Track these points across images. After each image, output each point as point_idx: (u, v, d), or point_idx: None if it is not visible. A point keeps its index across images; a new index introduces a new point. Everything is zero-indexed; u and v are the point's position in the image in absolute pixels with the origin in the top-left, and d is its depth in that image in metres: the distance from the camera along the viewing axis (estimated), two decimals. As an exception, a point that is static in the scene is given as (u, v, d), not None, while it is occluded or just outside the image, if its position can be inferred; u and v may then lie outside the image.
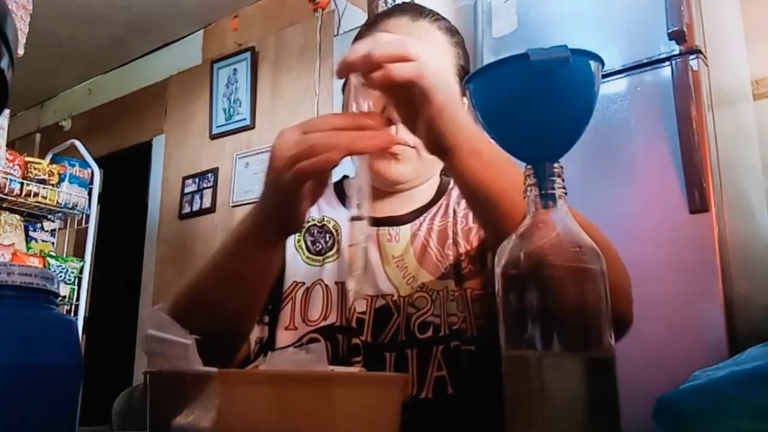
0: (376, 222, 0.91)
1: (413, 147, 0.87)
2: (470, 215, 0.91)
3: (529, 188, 0.48)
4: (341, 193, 0.98)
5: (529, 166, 0.48)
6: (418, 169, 0.90)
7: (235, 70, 3.76)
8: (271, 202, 0.67)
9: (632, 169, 1.73)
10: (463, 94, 0.92)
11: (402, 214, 0.93)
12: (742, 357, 0.61)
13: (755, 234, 1.93)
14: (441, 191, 0.97)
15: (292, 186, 0.63)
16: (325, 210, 0.95)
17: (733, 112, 1.95)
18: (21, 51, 1.82)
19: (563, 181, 0.48)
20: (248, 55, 3.70)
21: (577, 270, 0.45)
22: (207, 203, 3.72)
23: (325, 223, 0.94)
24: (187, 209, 3.83)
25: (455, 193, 0.95)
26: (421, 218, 0.93)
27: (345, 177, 1.04)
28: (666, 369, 1.48)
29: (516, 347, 0.45)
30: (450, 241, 0.89)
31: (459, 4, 2.45)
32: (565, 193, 0.47)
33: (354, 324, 0.84)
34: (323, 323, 0.85)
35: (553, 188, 0.47)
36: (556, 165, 0.48)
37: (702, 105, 1.65)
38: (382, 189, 0.92)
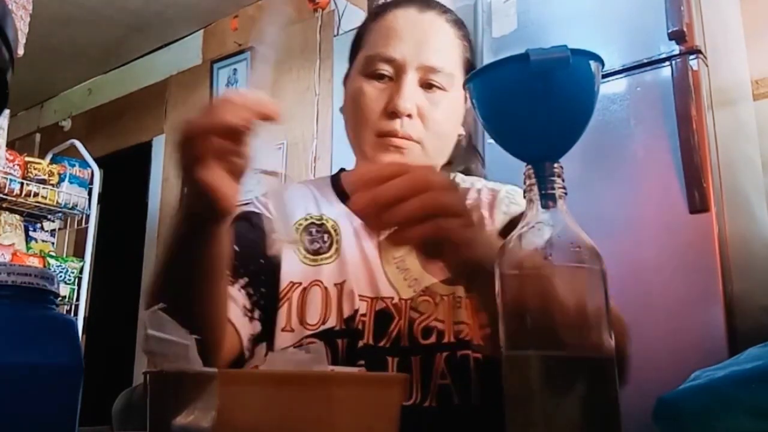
0: None
1: (417, 142, 0.84)
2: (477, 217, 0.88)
3: (529, 188, 0.48)
4: (340, 189, 0.95)
5: (529, 166, 0.48)
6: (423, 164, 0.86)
7: (235, 70, 3.76)
8: (183, 179, 0.61)
9: (632, 169, 1.73)
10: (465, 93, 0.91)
11: None
12: (742, 357, 0.61)
13: (755, 234, 1.93)
14: None
15: (184, 149, 0.58)
16: (323, 207, 0.92)
17: (733, 112, 1.95)
18: (21, 51, 1.82)
19: (563, 181, 0.48)
20: (248, 55, 3.70)
21: (577, 270, 0.45)
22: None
23: (324, 221, 0.90)
24: (187, 209, 3.82)
25: (460, 189, 0.92)
26: None
27: (342, 170, 1.01)
28: (666, 369, 1.48)
29: (516, 347, 0.45)
30: None
31: (459, 4, 2.45)
32: (565, 193, 0.47)
33: (354, 326, 0.82)
34: (322, 327, 0.82)
35: (553, 188, 0.47)
36: (556, 165, 0.48)
37: (702, 105, 1.65)
38: None
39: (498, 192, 0.92)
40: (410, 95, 0.83)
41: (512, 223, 0.83)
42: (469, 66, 0.92)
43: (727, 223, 1.63)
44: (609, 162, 1.75)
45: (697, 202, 1.59)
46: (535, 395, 0.42)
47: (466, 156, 1.03)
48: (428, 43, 0.86)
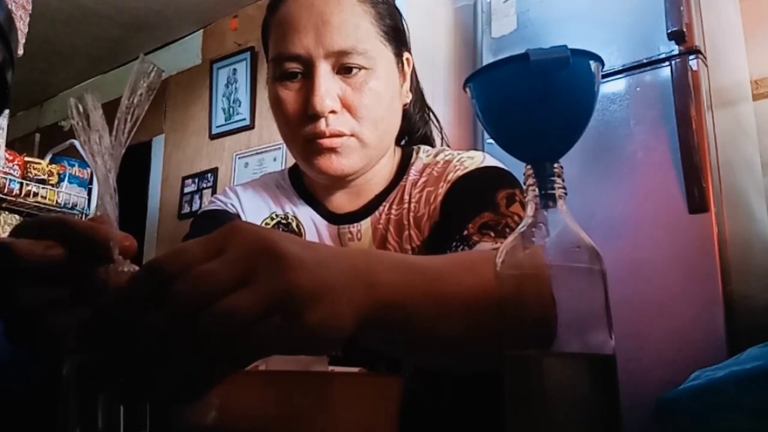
0: (336, 219, 0.85)
1: (351, 135, 0.79)
2: (422, 199, 0.82)
3: (529, 188, 0.48)
4: (300, 187, 0.91)
5: (529, 166, 0.48)
6: (365, 156, 0.81)
7: (234, 70, 3.76)
8: None
9: (632, 169, 1.73)
10: (399, 59, 0.85)
11: (361, 206, 0.85)
12: (742, 357, 0.61)
13: (755, 234, 1.93)
14: (404, 166, 0.87)
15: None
16: (287, 207, 0.89)
17: (732, 112, 1.95)
18: (21, 51, 1.82)
19: (563, 181, 0.48)
20: (248, 55, 3.70)
21: (577, 270, 0.45)
22: (206, 203, 3.72)
23: (289, 221, 0.87)
24: (186, 209, 3.82)
25: (413, 171, 0.86)
26: (381, 207, 0.84)
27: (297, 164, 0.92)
28: (666, 369, 1.48)
29: (516, 347, 0.45)
30: (407, 232, 0.81)
31: (458, 4, 2.46)
32: (565, 193, 0.47)
33: None
34: None
35: (553, 188, 0.47)
36: (556, 165, 0.48)
37: (701, 105, 1.65)
38: (332, 184, 0.85)
39: (450, 161, 0.83)
40: (327, 90, 0.77)
41: (453, 189, 0.79)
42: (394, 31, 0.84)
43: (727, 223, 1.63)
44: (608, 162, 1.75)
45: (697, 203, 1.59)
46: (535, 395, 0.42)
47: (420, 120, 0.96)
48: (329, 25, 0.77)
